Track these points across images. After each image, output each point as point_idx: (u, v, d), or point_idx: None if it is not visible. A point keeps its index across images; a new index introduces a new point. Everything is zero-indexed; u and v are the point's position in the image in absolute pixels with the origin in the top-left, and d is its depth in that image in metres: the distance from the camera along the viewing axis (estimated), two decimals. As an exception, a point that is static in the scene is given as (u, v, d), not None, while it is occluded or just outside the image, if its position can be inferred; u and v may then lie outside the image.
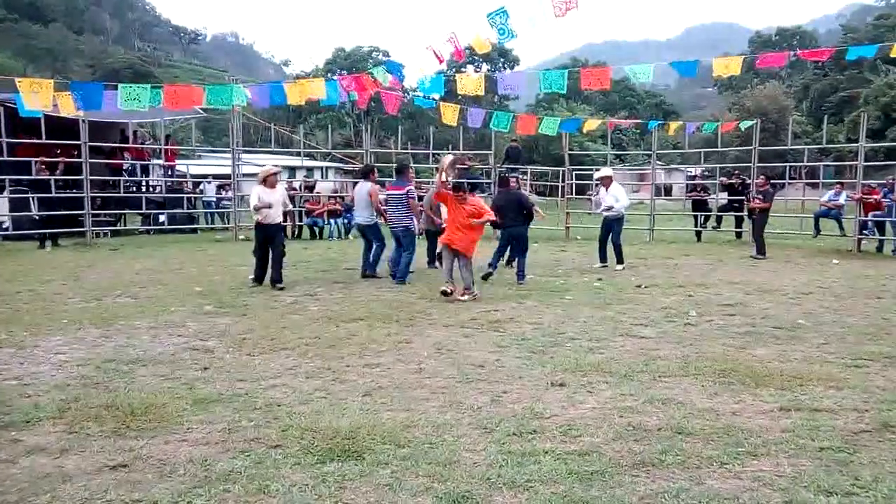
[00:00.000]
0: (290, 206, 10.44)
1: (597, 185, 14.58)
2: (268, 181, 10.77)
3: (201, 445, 4.29)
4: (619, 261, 13.15)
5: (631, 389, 5.45)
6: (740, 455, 4.14)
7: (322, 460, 4.04)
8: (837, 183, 19.37)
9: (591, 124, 23.17)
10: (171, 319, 8.23)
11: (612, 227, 13.25)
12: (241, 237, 19.08)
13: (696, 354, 6.57)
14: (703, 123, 27.33)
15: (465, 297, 9.67)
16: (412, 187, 11.84)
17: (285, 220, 19.90)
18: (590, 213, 22.41)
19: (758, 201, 15.39)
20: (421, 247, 12.52)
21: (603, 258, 13.39)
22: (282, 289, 10.47)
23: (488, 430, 4.55)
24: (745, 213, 17.44)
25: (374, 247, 11.97)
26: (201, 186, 24.67)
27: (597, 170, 15.66)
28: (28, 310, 8.75)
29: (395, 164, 13.96)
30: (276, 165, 12.65)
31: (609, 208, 13.18)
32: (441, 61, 13.95)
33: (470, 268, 9.97)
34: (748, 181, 18.27)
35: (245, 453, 4.15)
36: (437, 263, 12.18)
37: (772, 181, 16.53)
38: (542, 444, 4.30)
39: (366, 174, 12.54)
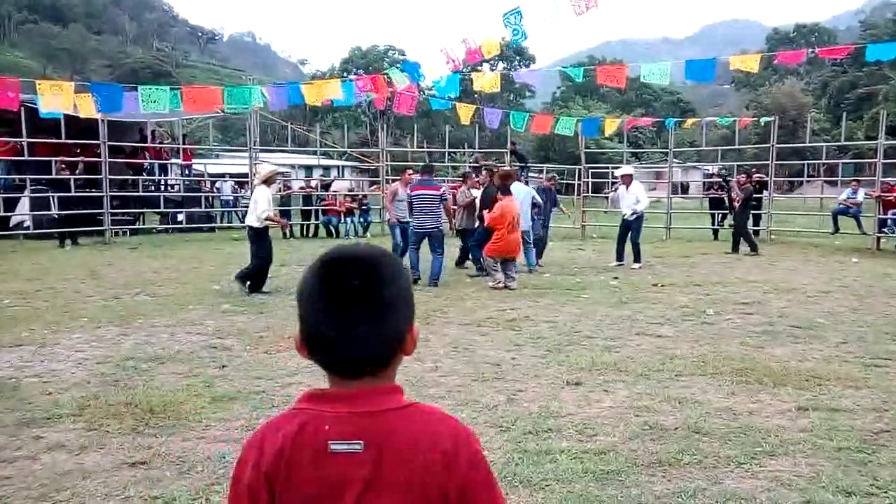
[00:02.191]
0: (259, 211, 10.10)
1: (615, 182, 14.58)
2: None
3: (219, 442, 4.33)
4: (637, 259, 13.11)
5: (647, 388, 5.44)
6: (758, 455, 4.12)
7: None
8: (853, 180, 19.21)
9: (611, 125, 23.02)
10: (190, 317, 8.29)
11: (630, 224, 13.21)
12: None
13: (713, 353, 6.54)
14: (719, 118, 27.18)
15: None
16: (447, 188, 11.63)
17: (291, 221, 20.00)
18: (605, 212, 22.36)
19: (738, 198, 15.48)
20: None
21: (620, 256, 13.35)
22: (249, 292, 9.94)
23: (504, 429, 4.55)
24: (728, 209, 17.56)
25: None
26: (217, 185, 24.83)
27: (617, 167, 15.68)
28: (48, 308, 8.84)
29: (422, 164, 13.68)
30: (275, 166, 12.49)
31: (633, 213, 13.12)
32: (456, 67, 14.00)
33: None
34: (729, 178, 18.20)
35: (262, 451, 4.17)
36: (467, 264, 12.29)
37: (753, 180, 16.83)
38: (558, 443, 4.30)
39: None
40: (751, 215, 16.64)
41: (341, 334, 1.19)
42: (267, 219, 10.09)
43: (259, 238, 10.17)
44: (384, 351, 1.24)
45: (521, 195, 12.11)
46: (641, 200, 13.19)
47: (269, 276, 10.31)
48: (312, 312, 1.22)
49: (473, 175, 13.95)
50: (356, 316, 1.19)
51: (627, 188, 13.30)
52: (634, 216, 13.14)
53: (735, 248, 15.35)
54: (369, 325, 1.19)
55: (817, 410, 4.90)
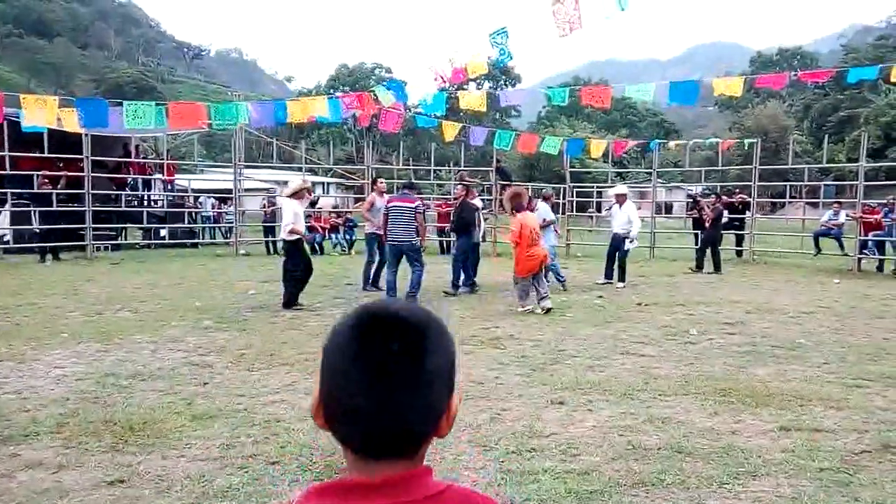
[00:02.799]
0: (288, 220, 10.29)
1: (601, 202, 14.82)
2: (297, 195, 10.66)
3: (199, 461, 4.28)
4: (621, 278, 13.17)
5: (631, 408, 5.44)
6: (740, 475, 4.12)
7: (320, 477, 4.03)
8: (835, 201, 19.43)
9: (598, 147, 23.01)
10: (171, 334, 8.22)
11: (620, 244, 13.31)
12: (242, 252, 19.11)
13: (696, 373, 6.56)
14: (703, 140, 27.48)
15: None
16: (420, 203, 11.65)
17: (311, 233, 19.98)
18: (590, 230, 22.44)
19: (709, 217, 15.96)
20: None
21: (608, 275, 13.42)
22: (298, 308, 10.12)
23: (488, 448, 4.54)
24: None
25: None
26: (200, 200, 24.76)
27: (602, 187, 15.87)
28: (28, 323, 8.75)
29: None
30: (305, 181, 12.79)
31: (630, 239, 13.29)
32: (444, 83, 14.12)
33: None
34: (699, 199, 18.44)
35: (243, 469, 4.14)
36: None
37: (723, 200, 17.66)
38: (541, 463, 4.28)
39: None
40: (722, 235, 16.89)
41: (374, 404, 1.01)
42: (292, 231, 10.20)
43: (293, 252, 10.35)
44: (421, 427, 1.06)
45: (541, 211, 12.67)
46: (634, 221, 13.33)
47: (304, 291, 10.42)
48: (341, 376, 1.04)
49: (475, 192, 14.11)
50: (394, 384, 1.02)
51: (621, 207, 13.44)
52: (624, 231, 13.26)
53: (717, 269, 15.46)
54: (408, 397, 1.02)
55: (799, 431, 4.91)
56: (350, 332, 1.06)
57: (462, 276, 12.27)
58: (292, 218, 10.19)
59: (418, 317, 1.08)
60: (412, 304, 1.12)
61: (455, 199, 12.98)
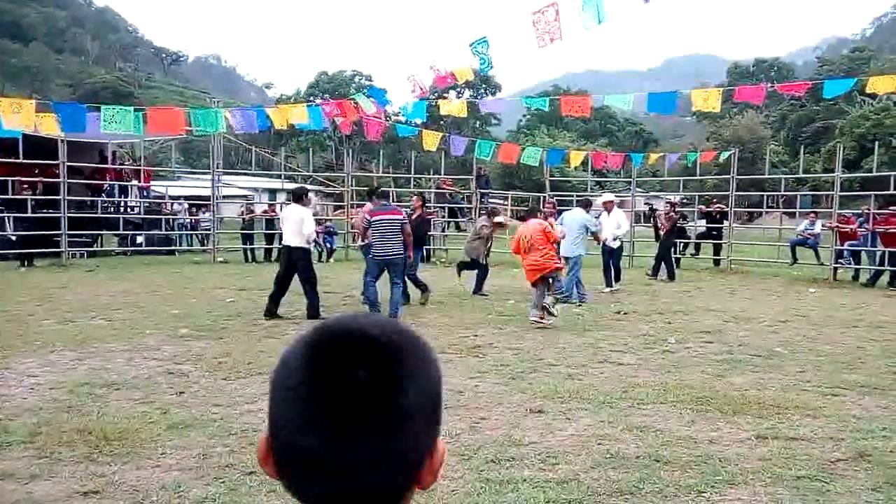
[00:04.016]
0: (309, 230, 10.01)
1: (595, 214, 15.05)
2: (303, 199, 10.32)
3: (175, 471, 4.23)
4: (609, 283, 13.46)
5: (609, 416, 5.45)
6: (717, 484, 4.14)
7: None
8: (811, 212, 19.66)
9: (577, 157, 23.14)
10: (147, 342, 8.13)
11: (613, 250, 13.75)
12: (220, 259, 18.97)
13: (674, 382, 6.58)
14: (684, 154, 27.75)
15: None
16: (405, 216, 11.36)
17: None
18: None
19: (664, 227, 16.33)
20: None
21: (609, 282, 13.61)
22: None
23: (466, 457, 4.52)
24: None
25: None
26: (175, 207, 24.58)
27: (581, 195, 16.06)
28: (0, 331, 8.61)
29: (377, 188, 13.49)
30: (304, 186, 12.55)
31: (616, 238, 13.72)
32: (424, 93, 14.14)
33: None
34: (657, 209, 18.72)
35: (219, 480, 4.09)
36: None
37: (677, 210, 17.78)
38: (520, 472, 4.27)
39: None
40: (675, 243, 17.44)
41: (333, 452, 0.80)
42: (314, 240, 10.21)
43: (308, 260, 10.22)
44: (395, 480, 0.83)
45: (571, 221, 12.70)
46: (622, 225, 13.94)
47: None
48: (291, 414, 0.83)
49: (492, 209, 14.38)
50: (358, 426, 0.80)
51: (609, 213, 13.71)
52: (617, 242, 13.76)
53: (655, 273, 15.99)
54: (377, 441, 0.80)
55: (776, 439, 4.94)
56: (303, 357, 0.85)
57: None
58: (308, 224, 9.86)
59: (392, 335, 0.86)
60: (384, 319, 0.91)
61: (412, 210, 12.80)
